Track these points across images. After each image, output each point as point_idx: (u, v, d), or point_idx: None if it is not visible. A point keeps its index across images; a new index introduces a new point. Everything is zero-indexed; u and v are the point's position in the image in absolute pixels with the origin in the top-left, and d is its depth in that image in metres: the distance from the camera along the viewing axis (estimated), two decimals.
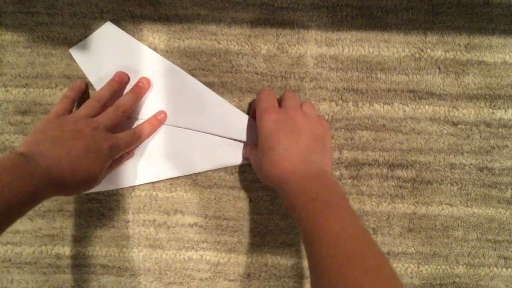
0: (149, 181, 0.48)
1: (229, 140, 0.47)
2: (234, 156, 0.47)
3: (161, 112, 0.47)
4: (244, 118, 0.46)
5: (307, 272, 0.49)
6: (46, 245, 0.49)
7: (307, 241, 0.34)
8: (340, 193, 0.36)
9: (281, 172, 0.37)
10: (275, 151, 0.38)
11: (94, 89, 0.47)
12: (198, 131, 0.47)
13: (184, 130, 0.47)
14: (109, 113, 0.42)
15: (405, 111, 0.48)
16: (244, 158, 0.47)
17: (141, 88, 0.46)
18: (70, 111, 0.43)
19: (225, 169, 0.48)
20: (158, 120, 0.46)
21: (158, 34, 0.47)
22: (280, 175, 0.38)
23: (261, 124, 0.40)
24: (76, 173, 0.37)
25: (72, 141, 0.38)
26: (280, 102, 0.43)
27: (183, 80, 0.46)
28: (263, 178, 0.41)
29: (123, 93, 0.46)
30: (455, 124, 0.48)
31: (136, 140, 0.45)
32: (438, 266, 0.49)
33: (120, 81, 0.45)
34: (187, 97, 0.46)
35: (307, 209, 0.34)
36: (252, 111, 0.47)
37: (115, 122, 0.42)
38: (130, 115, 0.46)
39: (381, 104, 0.48)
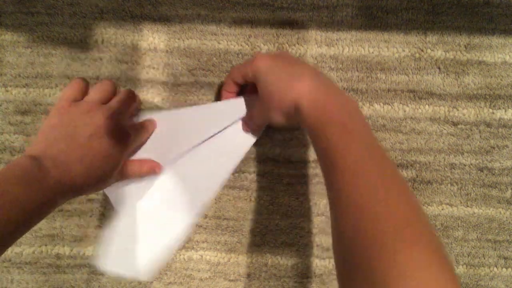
0: (188, 226, 0.44)
1: (230, 132, 0.45)
2: (245, 140, 0.45)
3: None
4: (231, 103, 0.44)
5: (307, 272, 0.49)
6: (46, 245, 0.49)
7: (326, 168, 0.33)
8: (360, 116, 0.35)
9: (295, 94, 0.35)
10: (282, 80, 0.37)
11: None
12: (204, 140, 0.44)
13: (185, 160, 0.44)
14: (122, 99, 0.41)
15: (405, 111, 0.48)
16: (251, 132, 0.45)
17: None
18: (83, 95, 0.40)
19: None
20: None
21: (158, 34, 0.47)
22: (295, 97, 0.35)
23: (256, 69, 0.39)
24: (90, 176, 0.36)
25: (86, 140, 0.36)
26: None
27: (164, 117, 0.45)
28: (278, 115, 0.38)
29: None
30: (455, 124, 0.48)
31: (146, 131, 0.42)
32: None
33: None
34: (176, 126, 0.45)
35: (327, 133, 0.33)
36: (222, 93, 0.45)
37: (129, 106, 0.41)
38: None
39: (381, 104, 0.48)
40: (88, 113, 0.37)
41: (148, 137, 0.44)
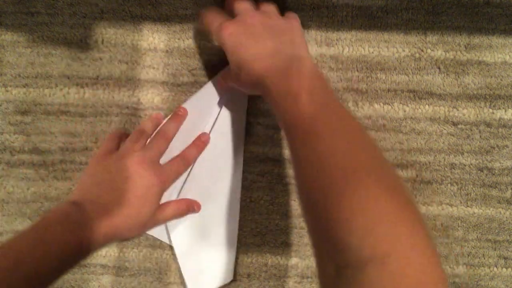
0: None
1: (221, 118, 0.46)
2: (238, 125, 0.46)
3: (203, 134, 0.46)
4: (206, 88, 0.46)
5: (307, 272, 0.49)
6: None
7: (288, 134, 0.35)
8: (321, 84, 0.36)
9: (258, 74, 0.37)
10: (246, 60, 0.37)
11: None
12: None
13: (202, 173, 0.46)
14: (154, 143, 0.42)
15: (405, 111, 0.48)
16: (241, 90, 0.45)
17: (181, 116, 0.45)
18: (117, 147, 0.43)
19: None
20: (202, 141, 0.46)
21: (158, 34, 0.47)
22: (257, 76, 0.37)
23: (222, 42, 0.38)
24: (128, 217, 0.38)
25: (120, 184, 0.38)
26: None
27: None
28: (248, 88, 0.41)
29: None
30: (455, 124, 0.48)
31: (186, 166, 0.44)
32: None
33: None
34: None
35: (287, 110, 0.35)
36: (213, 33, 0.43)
37: (161, 152, 0.42)
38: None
39: (381, 104, 0.48)
40: (122, 160, 0.40)
41: (188, 168, 0.45)
